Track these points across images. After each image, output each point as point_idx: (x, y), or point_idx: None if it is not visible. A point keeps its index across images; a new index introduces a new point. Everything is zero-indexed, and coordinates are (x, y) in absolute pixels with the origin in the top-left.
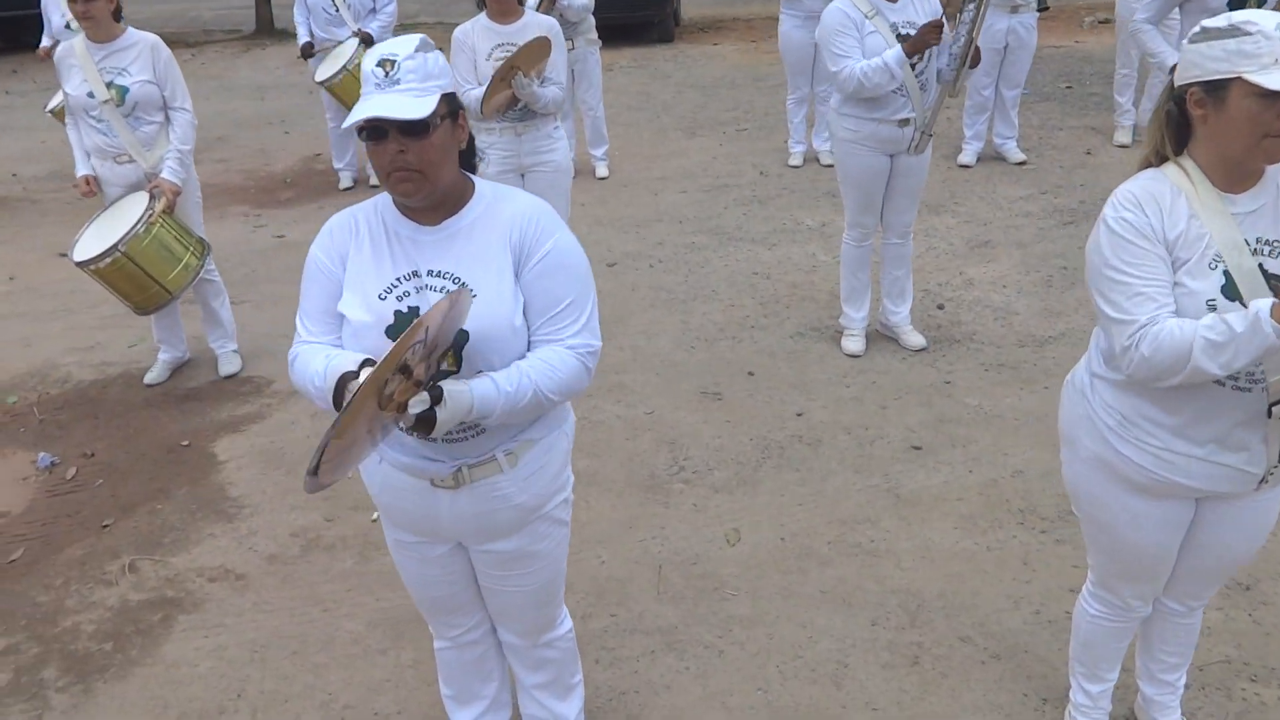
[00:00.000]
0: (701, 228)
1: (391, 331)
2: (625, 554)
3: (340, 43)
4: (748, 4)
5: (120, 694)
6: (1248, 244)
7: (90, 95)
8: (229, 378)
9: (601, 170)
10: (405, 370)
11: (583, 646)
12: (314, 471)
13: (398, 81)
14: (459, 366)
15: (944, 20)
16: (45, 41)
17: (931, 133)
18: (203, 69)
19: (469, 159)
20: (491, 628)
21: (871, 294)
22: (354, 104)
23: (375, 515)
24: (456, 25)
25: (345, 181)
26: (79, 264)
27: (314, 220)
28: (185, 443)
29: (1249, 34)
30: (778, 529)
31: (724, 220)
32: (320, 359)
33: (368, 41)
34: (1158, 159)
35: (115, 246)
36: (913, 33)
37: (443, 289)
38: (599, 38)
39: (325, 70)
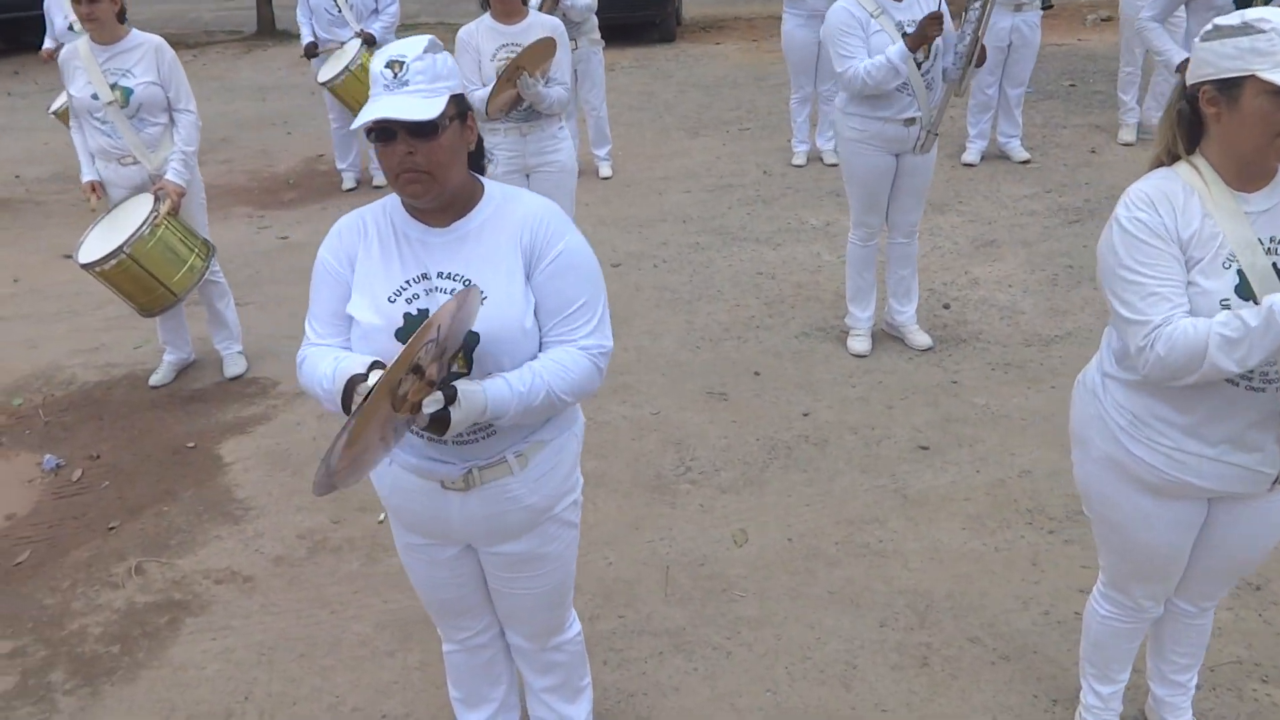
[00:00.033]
0: (705, 227)
1: (401, 334)
2: (632, 555)
3: (343, 43)
4: (749, 3)
5: (127, 696)
6: (1261, 243)
7: (94, 97)
8: (234, 379)
9: (605, 170)
10: (418, 370)
11: (591, 648)
12: (329, 468)
13: (406, 83)
14: (470, 368)
15: (943, 12)
16: (48, 44)
17: (937, 132)
18: (204, 70)
19: (478, 160)
20: (500, 631)
21: (877, 294)
22: (357, 105)
23: (382, 517)
24: (458, 25)
25: (348, 183)
26: (84, 266)
27: (318, 221)
28: (191, 444)
29: (1262, 32)
30: (785, 530)
31: (728, 220)
32: (329, 361)
33: (370, 42)
34: (1169, 158)
35: (120, 248)
36: None
37: (452, 291)
38: (601, 38)
39: (328, 71)
